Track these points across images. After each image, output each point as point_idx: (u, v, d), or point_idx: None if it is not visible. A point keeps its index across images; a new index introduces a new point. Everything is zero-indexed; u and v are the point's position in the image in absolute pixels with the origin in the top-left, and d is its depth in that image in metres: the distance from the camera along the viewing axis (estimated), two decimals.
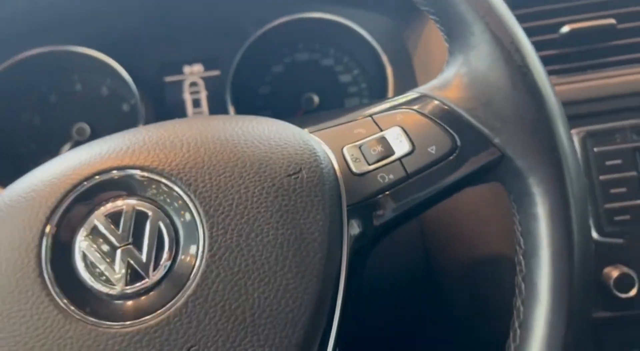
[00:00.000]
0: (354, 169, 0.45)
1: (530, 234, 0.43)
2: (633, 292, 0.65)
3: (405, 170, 0.45)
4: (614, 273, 0.66)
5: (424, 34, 0.78)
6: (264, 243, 0.40)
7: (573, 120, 0.70)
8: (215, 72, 0.90)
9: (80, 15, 0.86)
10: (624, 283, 0.66)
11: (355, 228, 0.44)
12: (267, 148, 0.43)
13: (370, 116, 0.48)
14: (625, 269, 0.66)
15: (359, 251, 0.45)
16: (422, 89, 0.48)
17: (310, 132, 0.48)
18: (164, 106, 0.90)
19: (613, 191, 0.68)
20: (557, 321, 0.41)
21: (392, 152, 0.45)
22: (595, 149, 0.68)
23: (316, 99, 0.91)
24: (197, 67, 0.90)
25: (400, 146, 0.45)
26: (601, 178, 0.68)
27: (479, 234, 0.73)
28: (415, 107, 0.47)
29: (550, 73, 0.73)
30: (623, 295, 0.66)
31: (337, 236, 0.42)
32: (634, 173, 0.67)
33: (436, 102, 0.46)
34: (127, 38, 0.88)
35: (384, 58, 0.82)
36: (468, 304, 0.74)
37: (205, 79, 0.90)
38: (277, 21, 0.85)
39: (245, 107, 0.88)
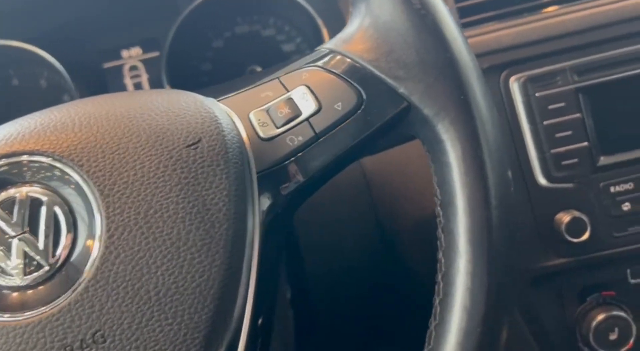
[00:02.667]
0: (261, 134, 0.43)
1: (445, 183, 0.41)
2: (585, 236, 0.64)
3: (314, 130, 0.43)
4: (565, 218, 0.65)
5: None
6: (164, 219, 0.39)
7: (513, 66, 0.68)
8: (155, 54, 0.87)
9: (8, 7, 0.83)
10: (575, 227, 0.64)
11: (267, 195, 0.42)
12: (164, 120, 0.41)
13: (278, 77, 0.46)
14: (577, 214, 0.65)
15: (275, 218, 0.43)
16: (329, 44, 0.46)
17: (218, 101, 0.46)
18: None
19: (558, 135, 0.66)
20: (477, 270, 0.39)
21: (299, 113, 0.43)
22: (537, 94, 0.66)
23: (260, 71, 0.88)
24: (135, 50, 0.87)
25: (307, 105, 0.43)
26: (545, 123, 0.66)
27: (430, 192, 0.71)
28: (321, 63, 0.45)
29: (488, 19, 0.70)
30: (575, 240, 0.64)
31: (245, 204, 0.40)
32: (578, 115, 0.65)
33: (341, 56, 0.44)
34: (59, 28, 0.85)
35: (320, 22, 0.80)
36: (423, 264, 0.72)
37: (144, 61, 0.87)
38: None
39: (187, 86, 0.86)
